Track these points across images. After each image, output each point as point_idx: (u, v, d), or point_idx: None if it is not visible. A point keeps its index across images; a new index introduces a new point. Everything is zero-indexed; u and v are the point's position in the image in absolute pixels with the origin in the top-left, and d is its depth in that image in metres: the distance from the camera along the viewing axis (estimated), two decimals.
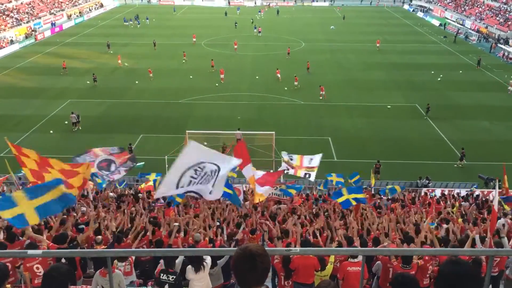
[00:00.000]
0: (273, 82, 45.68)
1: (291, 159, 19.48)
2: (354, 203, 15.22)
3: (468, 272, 3.37)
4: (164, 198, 16.22)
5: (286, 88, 44.07)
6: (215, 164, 7.52)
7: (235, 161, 7.92)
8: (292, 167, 19.06)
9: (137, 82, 46.58)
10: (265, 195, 12.58)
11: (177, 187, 7.43)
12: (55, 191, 8.43)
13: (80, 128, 35.44)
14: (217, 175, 7.64)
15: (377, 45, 63.03)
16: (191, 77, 48.89)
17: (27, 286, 9.26)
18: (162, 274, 8.94)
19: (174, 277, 8.92)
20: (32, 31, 71.73)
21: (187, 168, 7.31)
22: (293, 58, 56.00)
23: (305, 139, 33.92)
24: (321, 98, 42.32)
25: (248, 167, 11.91)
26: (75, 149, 31.68)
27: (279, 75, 47.19)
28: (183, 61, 54.17)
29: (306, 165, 19.07)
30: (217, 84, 45.65)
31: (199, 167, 7.40)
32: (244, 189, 20.54)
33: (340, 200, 15.54)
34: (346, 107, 40.53)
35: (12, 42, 64.21)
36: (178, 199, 15.46)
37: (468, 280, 3.35)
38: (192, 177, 7.42)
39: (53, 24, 76.94)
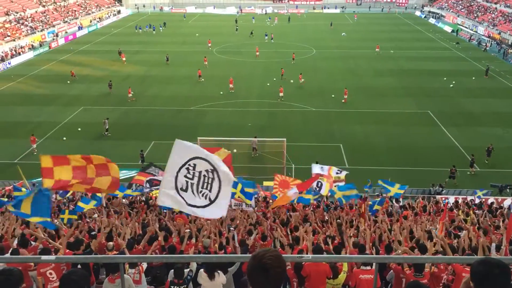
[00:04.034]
0: (284, 89, 45.57)
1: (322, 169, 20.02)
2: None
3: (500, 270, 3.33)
4: None
5: (279, 100, 43.60)
6: (205, 160, 7.57)
7: (219, 161, 7.84)
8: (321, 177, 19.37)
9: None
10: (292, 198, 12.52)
11: (177, 191, 7.54)
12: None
13: (109, 134, 36.12)
14: (219, 178, 7.62)
15: (377, 50, 63.29)
16: (203, 79, 49.86)
17: None
18: (172, 287, 8.99)
19: (185, 286, 8.99)
20: (56, 35, 74.25)
21: (179, 167, 7.48)
22: (303, 65, 56.05)
23: (316, 145, 33.84)
24: (343, 101, 42.55)
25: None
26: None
27: (301, 80, 47.79)
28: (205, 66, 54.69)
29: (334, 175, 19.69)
30: (221, 92, 45.59)
31: (190, 165, 7.53)
32: (256, 195, 20.52)
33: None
34: (358, 114, 40.39)
35: (33, 47, 66.14)
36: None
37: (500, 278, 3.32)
38: (186, 177, 7.52)
39: (79, 28, 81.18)
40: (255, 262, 3.21)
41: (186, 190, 7.59)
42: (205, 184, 7.63)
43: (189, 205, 7.67)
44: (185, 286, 8.99)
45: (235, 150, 31.89)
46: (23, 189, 17.63)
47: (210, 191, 7.67)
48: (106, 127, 36.19)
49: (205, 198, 7.67)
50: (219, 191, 7.70)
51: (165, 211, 17.57)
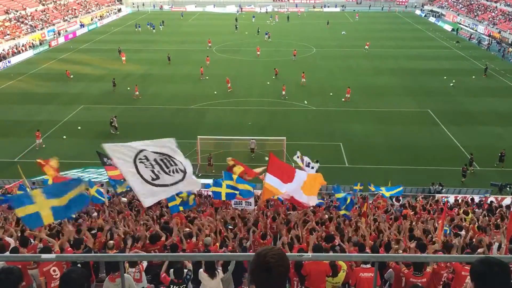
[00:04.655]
0: (286, 87, 45.49)
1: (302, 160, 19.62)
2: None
3: (500, 270, 3.34)
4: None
5: (284, 98, 43.62)
6: (154, 152, 7.62)
7: (169, 141, 7.89)
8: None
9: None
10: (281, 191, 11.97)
11: (152, 184, 7.56)
12: (75, 191, 8.41)
13: (113, 132, 36.08)
14: (173, 159, 7.74)
15: (366, 47, 62.98)
16: (207, 77, 49.95)
17: None
18: (172, 286, 9.09)
19: (185, 285, 9.05)
20: (58, 33, 74.94)
21: (134, 165, 7.46)
22: (304, 63, 55.99)
23: (316, 144, 33.83)
24: (344, 100, 42.65)
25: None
26: (88, 154, 32.02)
27: (303, 80, 47.67)
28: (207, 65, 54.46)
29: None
30: (215, 92, 45.43)
31: (141, 159, 7.54)
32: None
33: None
34: (358, 113, 40.37)
35: (33, 45, 66.42)
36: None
37: (500, 279, 3.33)
38: (147, 167, 7.55)
39: (81, 26, 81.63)
40: (259, 261, 3.16)
41: (157, 177, 7.62)
42: (168, 163, 7.72)
43: (170, 185, 7.75)
44: (185, 285, 9.04)
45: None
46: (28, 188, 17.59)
47: (176, 164, 7.78)
48: (115, 125, 36.17)
49: (178, 172, 7.78)
50: (182, 162, 7.82)
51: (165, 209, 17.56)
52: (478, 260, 3.44)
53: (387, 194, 21.67)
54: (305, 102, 40.71)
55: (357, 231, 14.49)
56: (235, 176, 15.96)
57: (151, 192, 7.68)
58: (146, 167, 7.57)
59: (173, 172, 7.76)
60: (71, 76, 50.03)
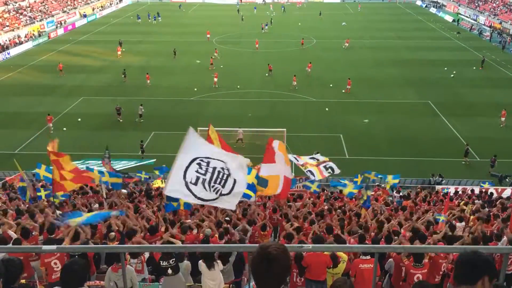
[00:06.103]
0: (285, 79, 45.33)
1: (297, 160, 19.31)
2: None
3: (483, 261, 3.41)
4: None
5: (296, 87, 43.70)
6: (221, 161, 7.19)
7: (242, 159, 7.45)
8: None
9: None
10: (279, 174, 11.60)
11: (186, 184, 7.03)
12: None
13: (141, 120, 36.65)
14: (233, 179, 7.21)
15: (346, 44, 60.90)
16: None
17: (43, 281, 9.39)
18: (161, 262, 9.29)
19: (174, 259, 9.24)
20: (60, 23, 75.12)
21: (190, 161, 7.05)
22: (304, 54, 55.84)
23: (316, 136, 33.82)
24: (344, 91, 42.67)
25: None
26: (88, 146, 32.03)
27: (309, 69, 47.84)
28: (218, 57, 54.13)
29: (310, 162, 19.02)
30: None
31: (203, 161, 7.11)
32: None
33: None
34: (358, 104, 40.31)
35: (33, 36, 66.39)
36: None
37: (483, 268, 3.39)
38: (198, 172, 7.06)
39: (84, 16, 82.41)
40: (260, 253, 3.15)
41: (196, 184, 7.09)
42: (219, 180, 7.17)
43: (197, 198, 7.18)
44: (173, 259, 9.15)
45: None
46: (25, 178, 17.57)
47: (223, 186, 7.23)
48: (140, 113, 36.54)
49: (216, 193, 7.22)
50: (233, 187, 7.27)
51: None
52: (461, 254, 3.52)
53: (391, 182, 21.58)
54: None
55: (358, 222, 14.52)
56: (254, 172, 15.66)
57: (180, 189, 7.22)
58: (197, 170, 7.04)
59: (213, 191, 7.17)
60: (62, 71, 48.62)
